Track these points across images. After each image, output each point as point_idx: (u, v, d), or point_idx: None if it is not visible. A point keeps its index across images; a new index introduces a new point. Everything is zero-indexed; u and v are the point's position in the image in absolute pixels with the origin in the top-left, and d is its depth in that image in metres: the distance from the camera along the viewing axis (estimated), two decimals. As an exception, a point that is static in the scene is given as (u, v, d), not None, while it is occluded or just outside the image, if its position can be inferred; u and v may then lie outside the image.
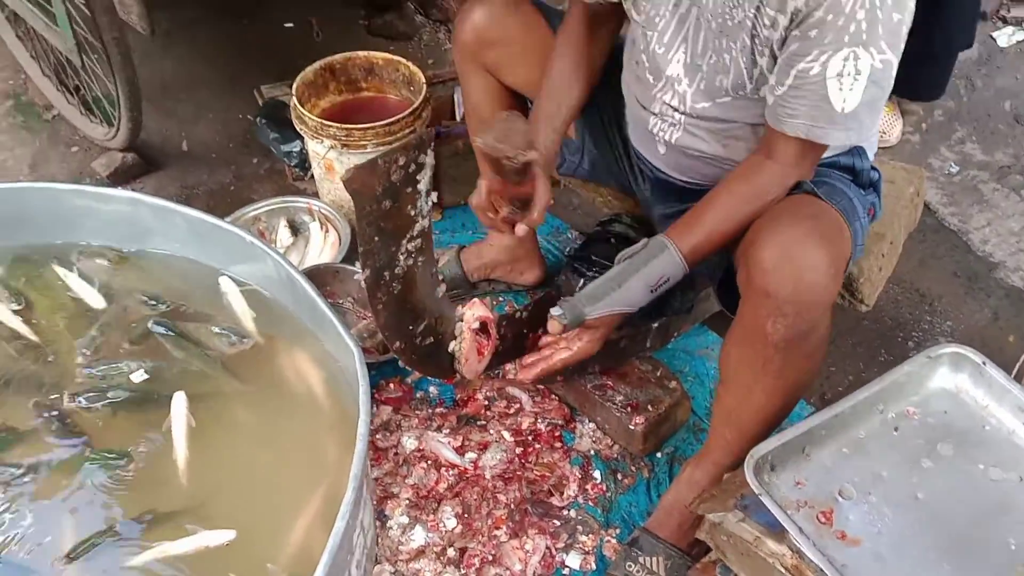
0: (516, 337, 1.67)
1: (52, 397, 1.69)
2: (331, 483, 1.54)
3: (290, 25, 2.94)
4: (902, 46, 1.31)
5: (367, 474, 1.47)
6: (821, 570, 1.22)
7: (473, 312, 1.56)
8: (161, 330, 1.79)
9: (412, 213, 1.35)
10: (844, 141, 1.37)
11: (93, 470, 1.59)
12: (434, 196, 1.37)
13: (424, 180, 1.33)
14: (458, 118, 2.45)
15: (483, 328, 1.56)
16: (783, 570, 1.28)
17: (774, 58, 1.39)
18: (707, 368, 2.02)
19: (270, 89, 2.60)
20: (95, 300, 1.85)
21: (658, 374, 1.88)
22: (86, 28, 2.14)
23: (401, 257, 1.39)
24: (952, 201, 2.37)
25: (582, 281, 1.77)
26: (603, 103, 1.79)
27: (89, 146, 2.55)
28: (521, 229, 1.54)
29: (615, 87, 1.75)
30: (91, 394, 1.68)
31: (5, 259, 1.91)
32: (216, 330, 1.80)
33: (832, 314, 1.44)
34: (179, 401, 1.67)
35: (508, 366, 1.96)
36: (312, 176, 2.36)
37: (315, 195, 2.35)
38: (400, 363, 1.68)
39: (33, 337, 1.79)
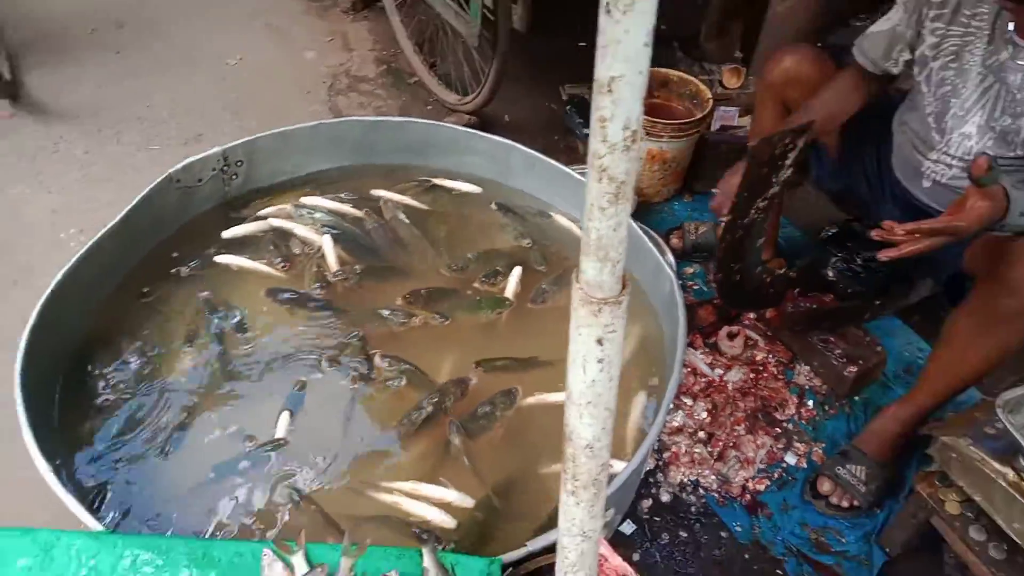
0: (781, 292, 1.78)
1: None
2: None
3: (583, 44, 3.06)
4: None
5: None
6: (1044, 486, 1.29)
7: None
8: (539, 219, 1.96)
9: (773, 180, 1.45)
10: None
11: (486, 310, 1.76)
12: (790, 171, 1.46)
13: (791, 157, 1.42)
14: (712, 129, 2.54)
15: None
16: (1004, 484, 1.34)
17: None
18: (894, 345, 2.06)
19: (572, 88, 2.72)
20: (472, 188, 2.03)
21: (868, 339, 1.94)
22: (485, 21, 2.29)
23: (752, 212, 1.49)
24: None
25: (833, 259, 1.83)
26: (869, 136, 1.82)
27: (440, 107, 2.73)
28: None
29: (883, 124, 1.77)
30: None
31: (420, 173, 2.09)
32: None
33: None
34: (516, 271, 1.81)
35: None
36: (602, 154, 2.47)
37: (602, 168, 2.46)
38: (715, 289, 1.78)
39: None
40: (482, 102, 2.50)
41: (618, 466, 1.32)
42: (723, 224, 1.48)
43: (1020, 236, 1.37)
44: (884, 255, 1.33)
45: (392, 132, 2.06)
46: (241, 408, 1.59)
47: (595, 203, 0.65)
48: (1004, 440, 1.37)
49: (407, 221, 1.95)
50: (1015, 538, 1.36)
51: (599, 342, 0.73)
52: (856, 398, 1.95)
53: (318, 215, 1.94)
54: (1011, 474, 1.35)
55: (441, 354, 1.71)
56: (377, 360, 1.65)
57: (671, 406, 1.84)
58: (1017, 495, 1.33)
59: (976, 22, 1.48)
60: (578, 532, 0.93)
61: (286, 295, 1.75)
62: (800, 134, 1.37)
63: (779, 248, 2.21)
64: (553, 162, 1.97)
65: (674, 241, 2.22)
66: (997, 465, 1.37)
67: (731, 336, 1.99)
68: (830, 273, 1.81)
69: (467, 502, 1.40)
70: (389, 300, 1.79)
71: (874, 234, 1.33)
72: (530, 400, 1.60)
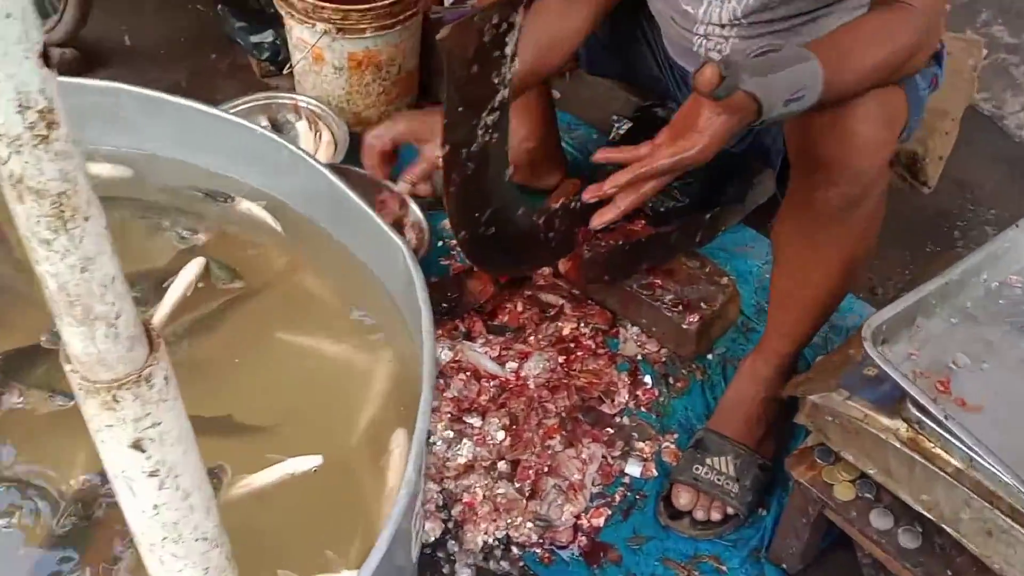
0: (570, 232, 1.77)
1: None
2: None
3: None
4: None
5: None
6: (944, 438, 1.36)
7: None
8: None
9: (495, 81, 1.42)
10: None
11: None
12: (516, 63, 1.43)
13: (511, 43, 1.39)
14: (447, 3, 2.50)
15: None
16: (898, 444, 1.40)
17: None
18: (749, 266, 2.14)
19: (224, -26, 2.60)
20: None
21: (707, 270, 1.99)
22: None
23: (479, 132, 1.45)
24: (984, 86, 2.53)
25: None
26: (637, 9, 1.86)
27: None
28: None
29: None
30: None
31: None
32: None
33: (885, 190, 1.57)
34: (173, 291, 1.64)
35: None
36: (288, 71, 2.40)
37: (291, 91, 2.38)
38: (463, 254, 1.76)
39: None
40: (72, 26, 2.34)
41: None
42: (441, 160, 1.43)
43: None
44: (597, 222, 1.44)
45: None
46: None
47: (32, 235, 0.59)
48: (889, 383, 1.43)
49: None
50: (926, 513, 1.42)
51: (138, 447, 0.67)
52: (709, 356, 2.01)
53: None
54: (903, 428, 1.41)
55: (67, 443, 1.55)
56: None
57: (446, 436, 1.83)
58: (916, 455, 1.39)
59: None
60: None
61: None
62: (513, 7, 1.34)
63: (567, 164, 2.22)
64: (186, 102, 1.83)
65: (423, 186, 2.17)
66: (885, 420, 1.42)
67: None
68: (632, 189, 1.82)
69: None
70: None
71: (585, 196, 1.42)
72: (239, 489, 1.50)
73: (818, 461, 1.55)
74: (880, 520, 1.50)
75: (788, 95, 1.31)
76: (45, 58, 0.53)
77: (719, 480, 1.74)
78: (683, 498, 1.75)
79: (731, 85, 1.26)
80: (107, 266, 0.60)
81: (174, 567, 0.74)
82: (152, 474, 0.67)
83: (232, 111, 2.24)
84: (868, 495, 1.52)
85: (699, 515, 1.74)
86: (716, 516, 1.74)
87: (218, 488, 1.49)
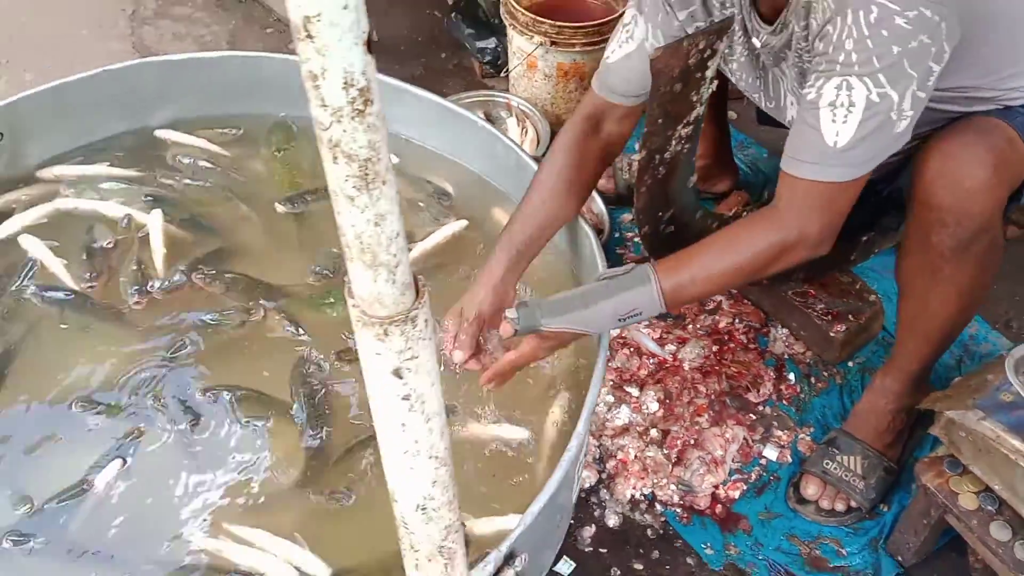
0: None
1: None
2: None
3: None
4: (912, 83, 1.24)
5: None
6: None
7: None
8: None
9: (694, 99, 1.41)
10: (840, 178, 1.31)
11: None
12: (715, 84, 1.42)
13: (712, 67, 1.38)
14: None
15: None
16: (1026, 466, 1.34)
17: None
18: (891, 288, 2.03)
19: (457, -13, 2.65)
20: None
21: (857, 287, 1.94)
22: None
23: (673, 142, 1.45)
24: None
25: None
26: None
27: (283, 28, 2.63)
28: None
29: None
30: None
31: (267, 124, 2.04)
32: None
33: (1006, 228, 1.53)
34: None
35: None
36: (503, 74, 2.43)
37: (506, 91, 2.40)
38: (643, 246, 1.75)
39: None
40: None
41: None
42: (637, 164, 1.43)
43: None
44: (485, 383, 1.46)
45: (205, 73, 1.96)
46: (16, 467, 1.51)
47: (340, 191, 0.62)
48: None
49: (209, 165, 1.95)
50: (1045, 533, 1.35)
51: (397, 374, 0.70)
52: (850, 364, 1.95)
53: (108, 186, 1.88)
54: (1034, 453, 1.33)
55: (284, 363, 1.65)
56: (198, 396, 1.60)
57: (607, 400, 1.83)
58: (1042, 479, 1.32)
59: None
60: (435, 618, 0.89)
61: (59, 295, 1.70)
62: (719, 35, 1.32)
63: (739, 178, 2.18)
64: (424, 93, 1.90)
65: (603, 182, 2.18)
66: (1017, 443, 1.35)
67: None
68: (798, 207, 1.78)
69: (322, 571, 1.37)
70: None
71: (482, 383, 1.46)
72: (474, 430, 1.57)
73: (947, 471, 1.49)
74: (999, 532, 1.43)
75: (620, 316, 1.35)
76: (368, 45, 0.55)
77: (846, 476, 1.70)
78: (811, 488, 1.72)
79: (527, 327, 1.35)
80: (395, 223, 0.62)
81: (408, 477, 0.76)
82: (404, 398, 0.70)
83: (457, 104, 2.27)
84: (990, 507, 1.45)
85: (824, 504, 1.71)
86: (840, 507, 1.70)
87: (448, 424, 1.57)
